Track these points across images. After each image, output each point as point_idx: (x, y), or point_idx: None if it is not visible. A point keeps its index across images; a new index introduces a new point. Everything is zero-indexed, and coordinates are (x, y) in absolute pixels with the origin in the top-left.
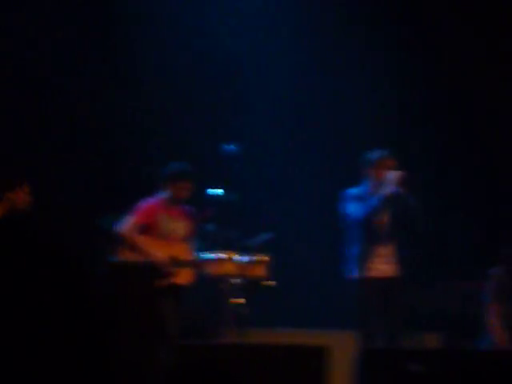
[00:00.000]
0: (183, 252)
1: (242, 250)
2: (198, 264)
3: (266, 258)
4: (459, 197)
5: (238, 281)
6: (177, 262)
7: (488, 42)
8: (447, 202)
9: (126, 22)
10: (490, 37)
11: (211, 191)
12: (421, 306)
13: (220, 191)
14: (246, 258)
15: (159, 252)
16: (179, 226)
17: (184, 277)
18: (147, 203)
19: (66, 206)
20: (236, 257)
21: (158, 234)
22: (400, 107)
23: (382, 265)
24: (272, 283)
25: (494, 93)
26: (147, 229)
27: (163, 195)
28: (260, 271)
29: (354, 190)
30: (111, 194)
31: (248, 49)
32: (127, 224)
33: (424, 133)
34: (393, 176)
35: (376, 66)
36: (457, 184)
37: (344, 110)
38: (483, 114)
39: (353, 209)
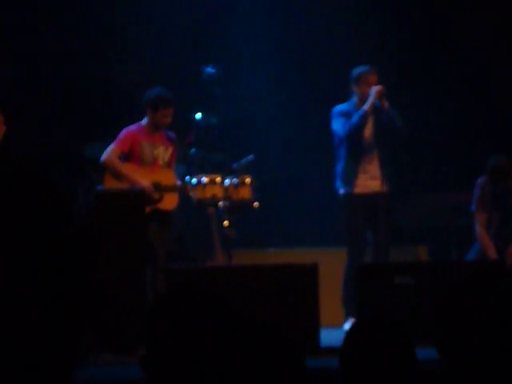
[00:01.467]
0: (167, 177)
1: (226, 173)
2: (182, 188)
3: (250, 180)
4: (445, 107)
5: (224, 203)
6: (161, 188)
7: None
8: (432, 113)
9: None
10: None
11: (195, 116)
12: (409, 219)
13: (200, 115)
14: (230, 181)
15: (143, 178)
16: (161, 152)
17: (169, 202)
18: (128, 131)
19: (50, 136)
20: (220, 180)
21: (141, 160)
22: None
23: (368, 180)
24: (256, 204)
25: None
26: (130, 156)
27: (144, 122)
28: (245, 193)
29: (341, 107)
30: (95, 122)
31: None
32: (110, 152)
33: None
34: (373, 91)
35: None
36: (443, 94)
37: (328, 32)
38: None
39: (339, 126)
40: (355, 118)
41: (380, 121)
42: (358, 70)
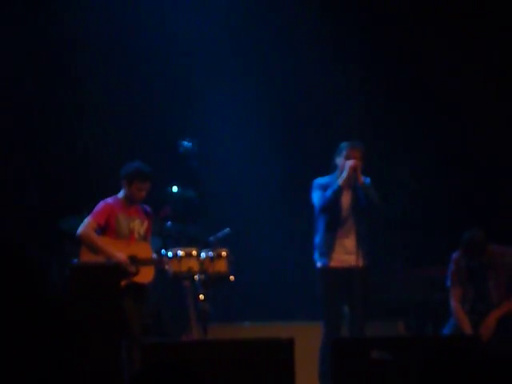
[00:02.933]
0: (143, 250)
1: (202, 246)
2: (158, 262)
3: (226, 253)
4: (422, 183)
5: (200, 276)
6: (137, 261)
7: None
8: (408, 188)
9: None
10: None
11: (170, 189)
12: (385, 293)
13: (176, 188)
14: (206, 254)
15: (119, 252)
16: (137, 225)
17: (145, 275)
18: (105, 204)
19: (26, 210)
20: (196, 253)
21: (117, 233)
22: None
23: (344, 255)
24: (232, 278)
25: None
26: (106, 229)
27: (121, 195)
28: (221, 266)
29: (321, 179)
30: (71, 196)
31: (201, 44)
32: (87, 225)
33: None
34: (347, 165)
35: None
36: (420, 170)
37: (304, 98)
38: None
39: (316, 198)
40: (329, 192)
41: (357, 196)
42: (343, 144)
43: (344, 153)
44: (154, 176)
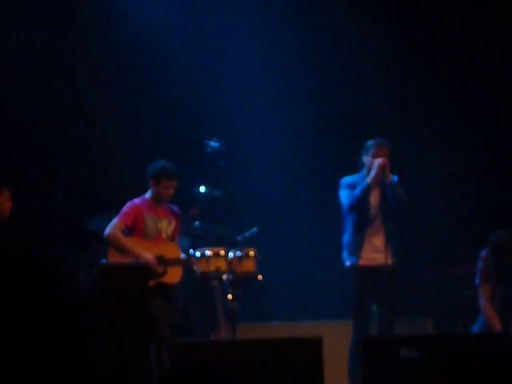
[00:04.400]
0: (171, 251)
1: (230, 246)
2: (186, 262)
3: (254, 252)
4: (451, 180)
5: (228, 276)
6: (165, 261)
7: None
8: (438, 186)
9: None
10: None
11: (199, 189)
12: (414, 292)
13: (203, 188)
14: (234, 254)
15: (147, 252)
16: (165, 225)
17: (173, 275)
18: (132, 204)
19: (54, 210)
20: (224, 253)
21: (145, 234)
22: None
23: (373, 253)
24: (260, 277)
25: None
26: (133, 229)
27: (148, 195)
28: (249, 266)
29: (349, 178)
30: (99, 196)
31: (229, 43)
32: (114, 226)
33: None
34: (376, 163)
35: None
36: (449, 167)
37: (329, 100)
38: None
39: (344, 197)
40: (357, 191)
41: (385, 194)
42: (370, 143)
43: (371, 151)
44: (180, 173)
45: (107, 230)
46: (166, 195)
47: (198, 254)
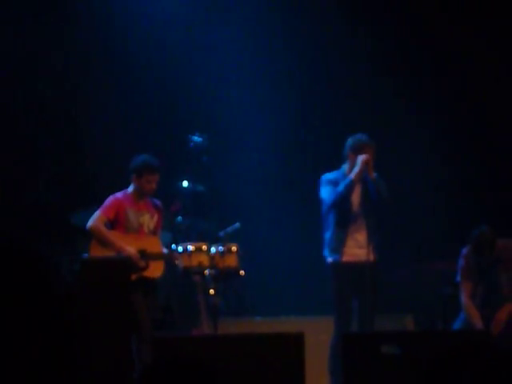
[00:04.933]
0: (153, 245)
1: (212, 241)
2: (168, 256)
3: (236, 248)
4: (432, 177)
5: (210, 271)
6: (147, 255)
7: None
8: (419, 182)
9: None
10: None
11: (180, 184)
12: (395, 288)
13: (186, 183)
14: (216, 249)
15: (129, 246)
16: (147, 219)
17: (155, 270)
18: (114, 198)
19: (36, 204)
20: (206, 248)
21: (127, 228)
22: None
23: (355, 249)
24: (242, 273)
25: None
26: (115, 223)
27: (130, 189)
28: (231, 261)
29: (329, 175)
30: (81, 191)
31: (212, 38)
32: (97, 219)
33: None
34: (359, 159)
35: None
36: (430, 163)
37: (315, 95)
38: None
39: (326, 193)
40: (341, 187)
41: (367, 190)
42: (353, 139)
43: (353, 147)
44: (162, 168)
45: (90, 222)
46: (148, 189)
47: (180, 248)
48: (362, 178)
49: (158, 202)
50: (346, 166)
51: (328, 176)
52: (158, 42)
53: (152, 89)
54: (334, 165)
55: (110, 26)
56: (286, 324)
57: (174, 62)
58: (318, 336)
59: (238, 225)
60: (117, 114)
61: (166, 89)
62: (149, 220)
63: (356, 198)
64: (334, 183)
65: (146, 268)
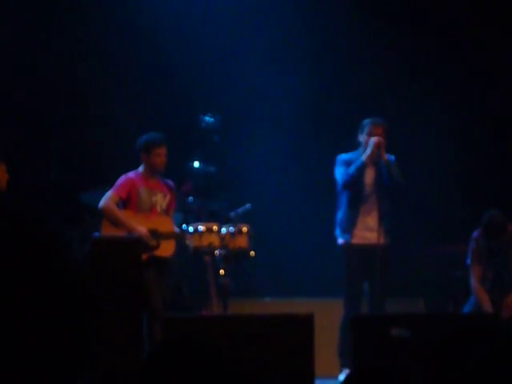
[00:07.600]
0: (164, 224)
1: (223, 222)
2: (179, 236)
3: (247, 229)
4: (445, 160)
5: (221, 252)
6: (158, 235)
7: None
8: (432, 166)
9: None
10: None
11: (193, 164)
12: (405, 271)
13: (197, 164)
14: (227, 230)
15: (141, 225)
16: (159, 199)
17: (166, 249)
18: (126, 177)
19: (48, 183)
20: (217, 228)
21: (139, 207)
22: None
23: (366, 232)
24: (253, 253)
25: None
26: (128, 203)
27: (141, 169)
28: (242, 242)
29: (345, 155)
30: (93, 170)
31: (226, 19)
32: (108, 199)
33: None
34: (371, 142)
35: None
36: (442, 147)
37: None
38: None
39: (339, 174)
40: (352, 168)
41: (380, 173)
42: (366, 120)
43: (367, 129)
44: (172, 147)
45: (102, 202)
46: (159, 163)
47: (191, 229)
48: (375, 160)
49: (171, 182)
50: (361, 148)
51: (343, 156)
52: (169, 22)
53: (164, 69)
54: (347, 146)
55: (126, 5)
56: (296, 305)
57: (186, 42)
58: (328, 317)
59: (248, 206)
60: (129, 94)
61: (179, 69)
62: (161, 199)
63: (369, 180)
64: (349, 164)
65: (157, 247)
